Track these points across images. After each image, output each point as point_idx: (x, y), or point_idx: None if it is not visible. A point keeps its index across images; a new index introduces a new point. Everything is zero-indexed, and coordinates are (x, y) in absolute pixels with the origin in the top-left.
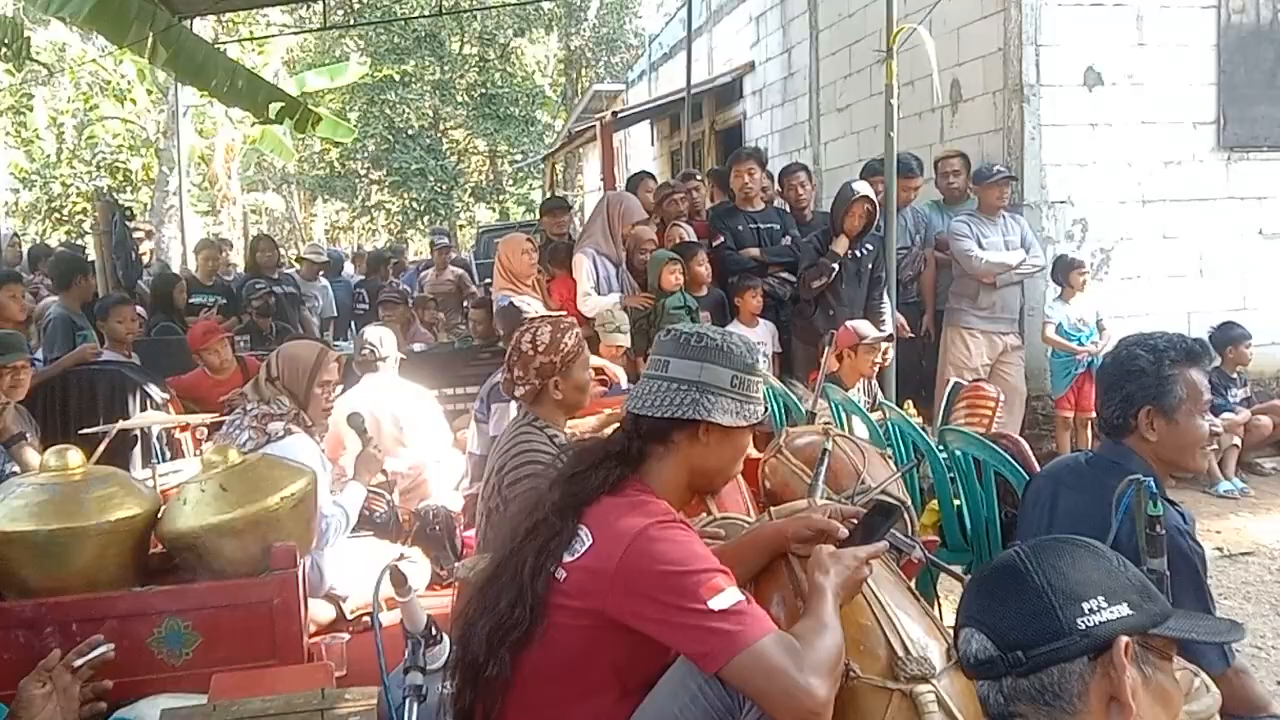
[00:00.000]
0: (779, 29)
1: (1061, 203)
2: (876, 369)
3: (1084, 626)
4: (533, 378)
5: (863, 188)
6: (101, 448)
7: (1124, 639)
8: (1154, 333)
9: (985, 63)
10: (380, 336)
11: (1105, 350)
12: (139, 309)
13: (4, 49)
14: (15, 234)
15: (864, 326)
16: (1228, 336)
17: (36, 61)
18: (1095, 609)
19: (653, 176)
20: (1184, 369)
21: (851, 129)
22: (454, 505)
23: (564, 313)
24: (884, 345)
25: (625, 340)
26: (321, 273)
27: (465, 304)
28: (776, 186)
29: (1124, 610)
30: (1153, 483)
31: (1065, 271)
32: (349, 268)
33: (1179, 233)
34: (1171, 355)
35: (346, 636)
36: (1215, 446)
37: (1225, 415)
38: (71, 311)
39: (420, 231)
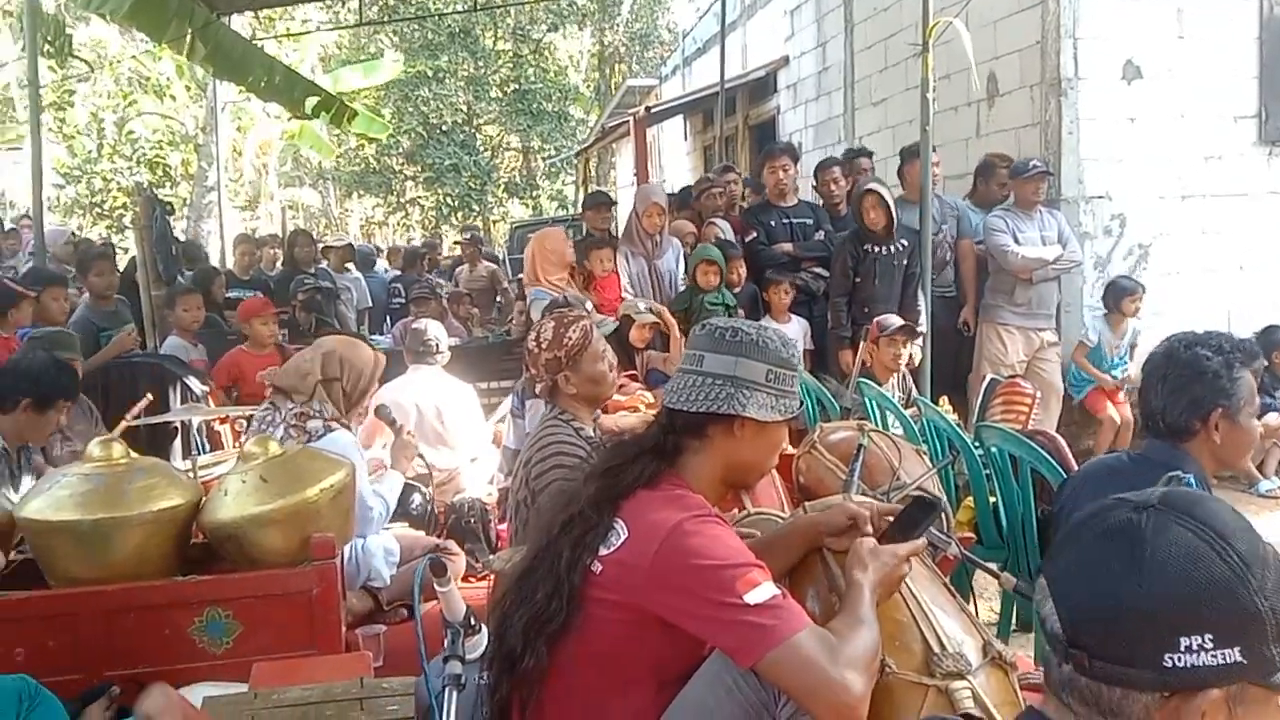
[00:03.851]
0: (813, 23)
1: (1099, 198)
2: (899, 362)
3: (1170, 664)
4: (543, 374)
5: (868, 184)
6: (118, 430)
7: (1215, 692)
8: (1209, 333)
9: (1022, 56)
10: (439, 332)
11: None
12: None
13: (47, 46)
14: (72, 233)
15: (886, 319)
16: (1273, 340)
17: (78, 58)
18: (1194, 648)
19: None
20: (1245, 370)
21: (887, 123)
22: (488, 499)
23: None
24: (903, 338)
25: (650, 316)
26: (352, 264)
27: (498, 299)
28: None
29: (1232, 656)
30: (1192, 480)
31: (1118, 297)
32: (383, 263)
33: (1219, 228)
34: (1238, 357)
35: (383, 628)
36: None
37: (1270, 416)
38: (94, 311)
39: (454, 227)
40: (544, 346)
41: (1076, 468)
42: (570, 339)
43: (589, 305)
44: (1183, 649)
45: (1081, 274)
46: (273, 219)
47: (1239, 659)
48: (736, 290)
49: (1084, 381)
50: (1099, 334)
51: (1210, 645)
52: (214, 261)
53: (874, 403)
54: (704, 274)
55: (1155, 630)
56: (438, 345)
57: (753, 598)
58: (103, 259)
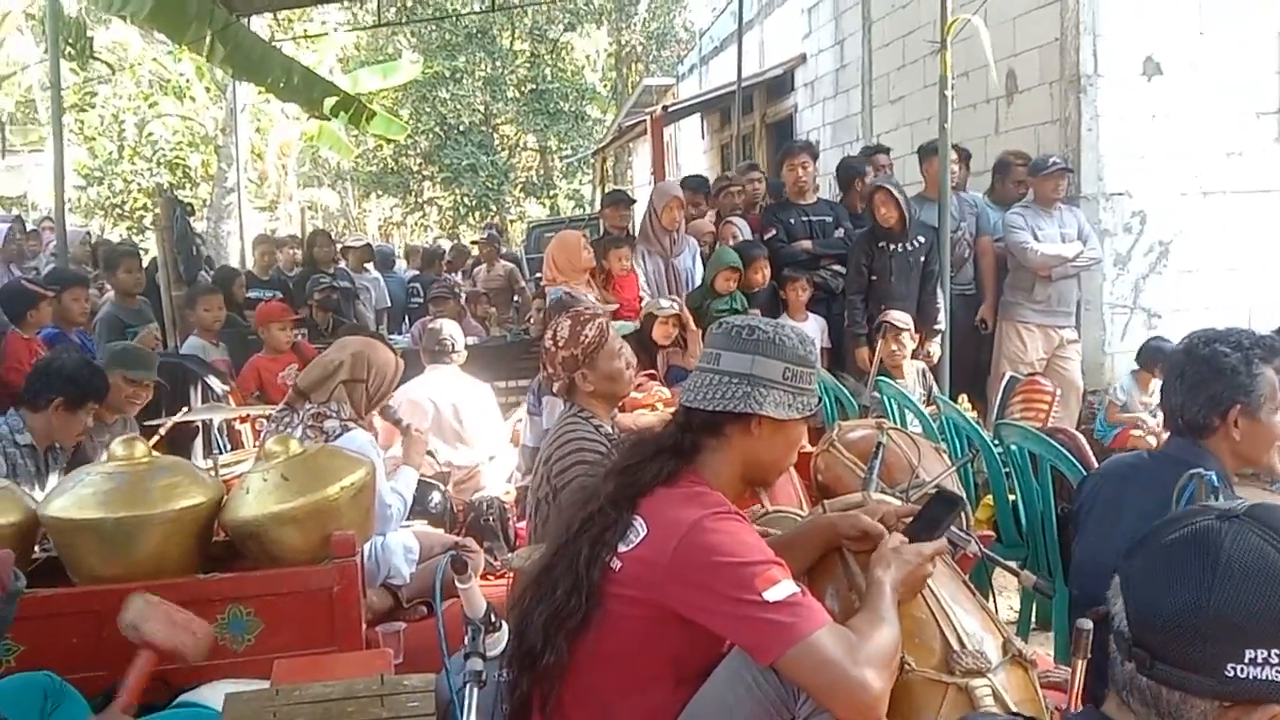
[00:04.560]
0: (831, 21)
1: (1119, 195)
2: (897, 358)
3: (1231, 674)
4: (560, 372)
5: (880, 179)
6: (157, 436)
7: (1277, 707)
8: (1229, 329)
9: (1042, 53)
10: (455, 331)
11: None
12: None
13: (68, 48)
14: (89, 233)
15: (891, 315)
16: None
17: (99, 60)
18: (1259, 661)
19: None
20: (1267, 367)
21: (905, 121)
22: (506, 497)
23: (591, 307)
24: (892, 334)
25: (674, 308)
26: (370, 264)
27: (515, 298)
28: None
29: None
30: (1214, 477)
31: (1157, 360)
32: (402, 263)
33: (1239, 225)
34: (1258, 353)
35: (403, 625)
36: None
37: None
38: (120, 308)
39: (471, 227)
40: (561, 345)
41: (1096, 465)
42: (587, 337)
43: (591, 299)
44: (1247, 660)
45: (1101, 271)
46: (292, 219)
47: None
48: (756, 291)
49: (1111, 428)
50: (1127, 393)
51: (1276, 660)
52: (234, 262)
53: (893, 400)
54: (725, 280)
55: (1221, 639)
56: (454, 345)
57: (772, 595)
58: (131, 256)
